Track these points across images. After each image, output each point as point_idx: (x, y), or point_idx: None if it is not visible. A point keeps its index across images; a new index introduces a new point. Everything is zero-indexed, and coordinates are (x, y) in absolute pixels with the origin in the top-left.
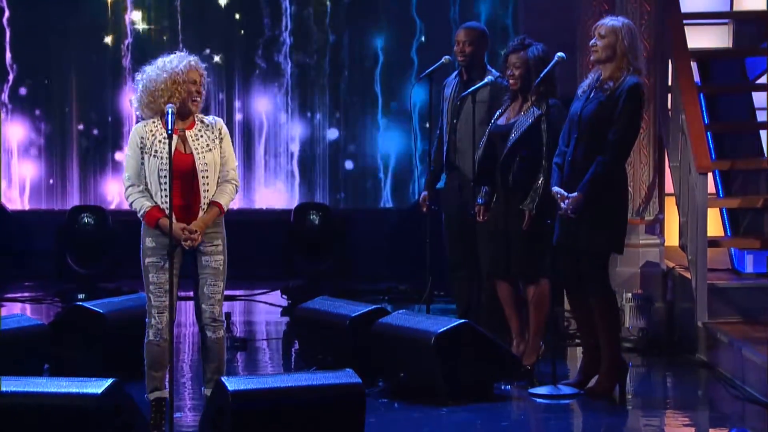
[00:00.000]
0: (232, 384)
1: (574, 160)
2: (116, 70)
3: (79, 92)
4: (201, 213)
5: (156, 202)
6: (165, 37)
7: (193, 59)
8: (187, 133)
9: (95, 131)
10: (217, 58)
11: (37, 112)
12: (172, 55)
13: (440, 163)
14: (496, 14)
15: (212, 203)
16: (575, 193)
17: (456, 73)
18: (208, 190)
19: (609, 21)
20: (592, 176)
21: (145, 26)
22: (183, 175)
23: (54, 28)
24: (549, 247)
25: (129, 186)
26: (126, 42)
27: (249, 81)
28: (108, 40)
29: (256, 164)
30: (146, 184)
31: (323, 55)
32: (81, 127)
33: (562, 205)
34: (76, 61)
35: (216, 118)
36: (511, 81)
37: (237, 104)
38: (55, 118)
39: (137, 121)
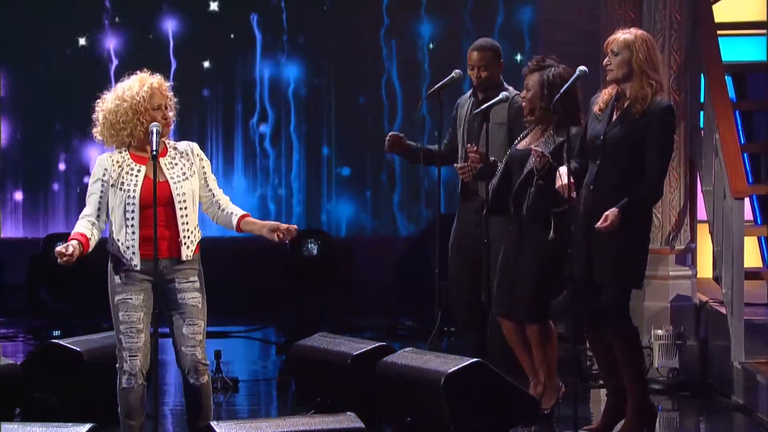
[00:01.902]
0: (222, 429)
1: (600, 186)
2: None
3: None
4: (184, 247)
5: (84, 231)
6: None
7: (155, 81)
8: (161, 160)
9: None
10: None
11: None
12: (132, 79)
13: (429, 151)
14: (511, 24)
15: (243, 215)
16: (614, 209)
17: (470, 92)
18: (187, 222)
19: (621, 35)
20: (635, 201)
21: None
22: (160, 205)
23: None
24: (560, 286)
25: (80, 218)
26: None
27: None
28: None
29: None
30: (110, 222)
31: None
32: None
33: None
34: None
35: (190, 143)
36: (524, 104)
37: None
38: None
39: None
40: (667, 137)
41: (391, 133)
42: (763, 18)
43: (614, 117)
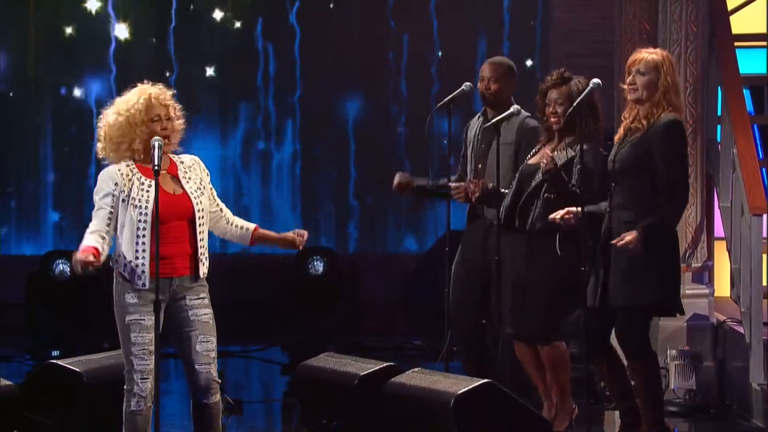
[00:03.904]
0: None
1: (613, 206)
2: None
3: None
4: (201, 265)
5: (96, 245)
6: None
7: (154, 91)
8: (179, 173)
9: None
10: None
11: None
12: (132, 91)
13: (438, 187)
14: (522, 34)
15: (255, 228)
16: (634, 231)
17: (479, 113)
18: (203, 239)
19: (647, 55)
20: (655, 223)
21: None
22: (180, 219)
23: None
24: (572, 304)
25: (88, 233)
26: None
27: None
28: None
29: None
30: (120, 239)
31: None
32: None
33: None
34: None
35: (193, 157)
36: (552, 119)
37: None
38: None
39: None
40: (674, 149)
41: (397, 179)
42: (763, 30)
43: (624, 139)
